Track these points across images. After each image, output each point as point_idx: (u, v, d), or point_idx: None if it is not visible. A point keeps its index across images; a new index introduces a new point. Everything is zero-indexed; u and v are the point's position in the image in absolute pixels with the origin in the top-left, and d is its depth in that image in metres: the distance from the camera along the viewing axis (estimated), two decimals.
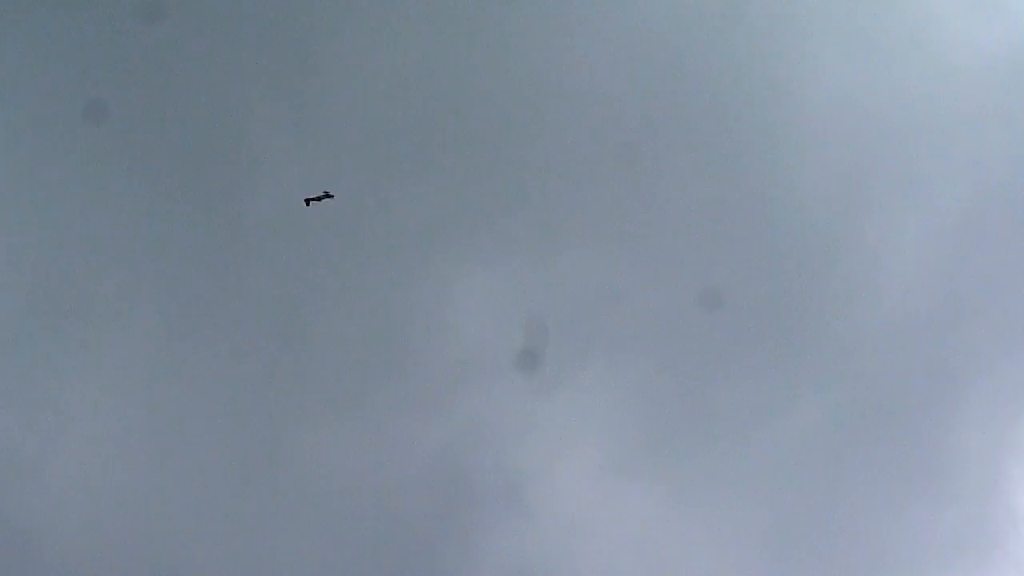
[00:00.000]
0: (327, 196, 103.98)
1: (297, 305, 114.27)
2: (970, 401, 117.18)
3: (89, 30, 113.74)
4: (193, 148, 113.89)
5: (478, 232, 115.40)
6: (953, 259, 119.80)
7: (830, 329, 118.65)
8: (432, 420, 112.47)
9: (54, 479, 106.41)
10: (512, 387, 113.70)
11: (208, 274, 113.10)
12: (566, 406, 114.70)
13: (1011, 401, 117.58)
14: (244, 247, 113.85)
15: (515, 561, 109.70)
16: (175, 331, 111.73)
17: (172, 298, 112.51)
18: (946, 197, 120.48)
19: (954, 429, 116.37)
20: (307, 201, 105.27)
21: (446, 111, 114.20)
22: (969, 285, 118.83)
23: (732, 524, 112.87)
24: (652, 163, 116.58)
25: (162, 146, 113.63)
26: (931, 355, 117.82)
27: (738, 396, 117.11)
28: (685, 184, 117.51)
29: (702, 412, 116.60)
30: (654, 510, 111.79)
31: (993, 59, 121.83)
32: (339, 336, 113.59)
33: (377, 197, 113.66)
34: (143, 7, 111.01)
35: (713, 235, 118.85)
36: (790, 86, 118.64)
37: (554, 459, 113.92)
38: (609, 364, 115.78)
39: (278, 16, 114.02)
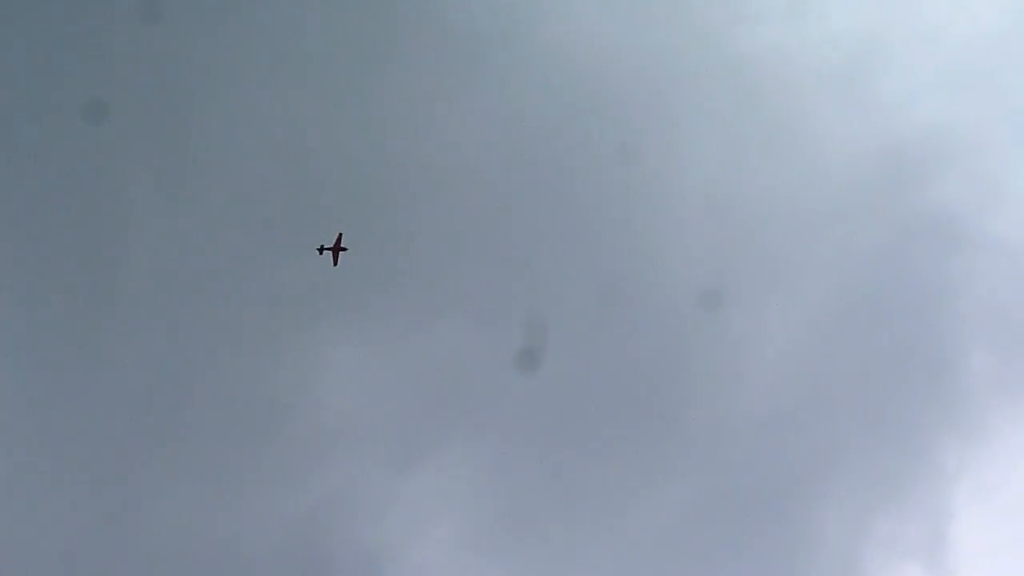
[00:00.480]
0: (341, 248, 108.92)
1: (167, 373, 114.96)
2: (829, 491, 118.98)
3: None
4: (68, 217, 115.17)
5: (348, 308, 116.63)
6: (815, 352, 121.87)
7: (697, 416, 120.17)
8: (293, 490, 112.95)
9: None
10: (374, 460, 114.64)
11: (80, 337, 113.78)
12: (427, 481, 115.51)
13: (869, 491, 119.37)
14: (117, 314, 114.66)
15: None
16: (44, 389, 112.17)
17: (40, 360, 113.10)
18: (810, 291, 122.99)
19: (814, 517, 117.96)
20: (320, 249, 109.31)
21: (318, 189, 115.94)
22: (831, 378, 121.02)
23: None
24: (520, 243, 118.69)
25: (38, 213, 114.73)
26: (793, 445, 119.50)
27: (604, 479, 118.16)
28: (552, 264, 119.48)
29: (565, 492, 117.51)
30: None
31: (861, 156, 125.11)
32: (206, 404, 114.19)
33: (249, 270, 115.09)
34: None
35: (582, 320, 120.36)
36: (659, 174, 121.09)
37: (413, 534, 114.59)
38: (471, 440, 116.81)
39: (155, 92, 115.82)
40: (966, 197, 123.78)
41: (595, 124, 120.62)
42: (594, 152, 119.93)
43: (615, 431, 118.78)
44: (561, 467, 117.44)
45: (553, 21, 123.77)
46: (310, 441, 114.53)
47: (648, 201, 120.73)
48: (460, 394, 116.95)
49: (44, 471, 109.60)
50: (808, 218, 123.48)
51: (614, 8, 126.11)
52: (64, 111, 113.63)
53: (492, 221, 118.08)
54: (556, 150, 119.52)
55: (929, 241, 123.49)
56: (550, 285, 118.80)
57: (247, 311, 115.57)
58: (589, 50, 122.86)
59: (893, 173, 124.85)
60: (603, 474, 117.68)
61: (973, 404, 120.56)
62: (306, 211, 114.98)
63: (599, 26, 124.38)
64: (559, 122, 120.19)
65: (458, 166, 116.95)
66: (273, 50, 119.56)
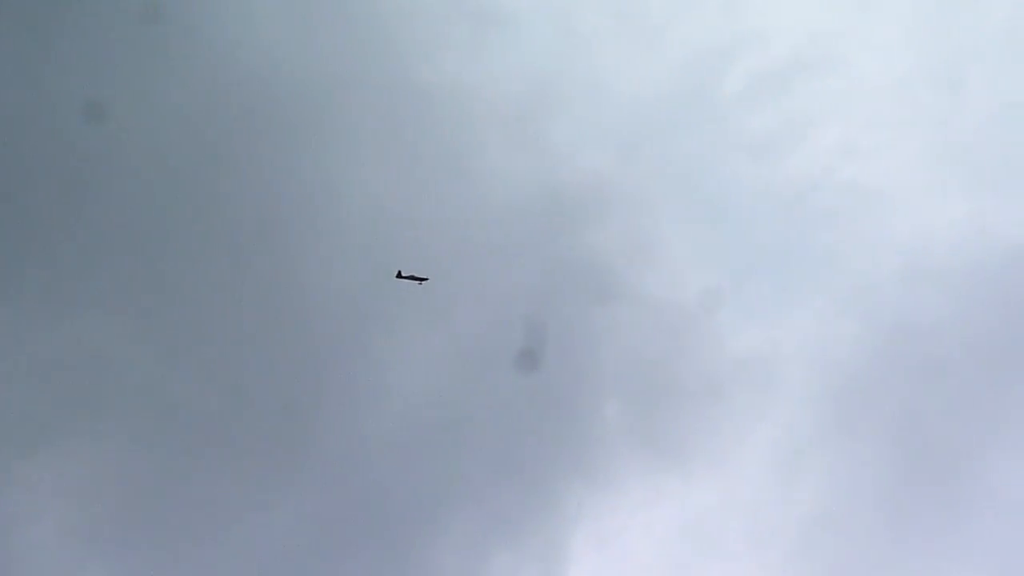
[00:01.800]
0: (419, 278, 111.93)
1: None
2: (449, 524, 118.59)
3: None
4: None
5: None
6: (458, 381, 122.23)
7: (330, 436, 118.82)
8: None
9: None
10: None
11: None
12: (44, 468, 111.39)
13: (488, 527, 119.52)
14: None
15: None
16: None
17: None
18: (459, 321, 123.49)
19: (431, 548, 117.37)
20: (399, 275, 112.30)
21: None
22: (461, 411, 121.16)
23: None
24: (171, 255, 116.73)
25: None
26: (423, 473, 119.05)
27: (225, 488, 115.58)
28: (204, 287, 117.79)
29: (183, 497, 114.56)
30: None
31: (524, 194, 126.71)
32: None
33: None
34: None
35: (233, 339, 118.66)
36: (321, 195, 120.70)
37: (17, 523, 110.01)
38: (95, 436, 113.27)
39: None
40: (618, 248, 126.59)
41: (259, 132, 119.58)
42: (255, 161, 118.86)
43: (249, 446, 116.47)
44: (186, 473, 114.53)
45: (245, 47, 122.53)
46: None
47: (310, 223, 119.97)
48: (91, 389, 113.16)
49: None
50: (466, 247, 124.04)
51: (302, 24, 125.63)
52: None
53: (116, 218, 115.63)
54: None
55: (577, 287, 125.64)
56: (214, 305, 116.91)
57: None
58: (269, 64, 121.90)
59: (552, 216, 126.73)
60: (228, 485, 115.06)
61: (601, 452, 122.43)
62: None
63: (283, 47, 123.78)
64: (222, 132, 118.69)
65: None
66: None
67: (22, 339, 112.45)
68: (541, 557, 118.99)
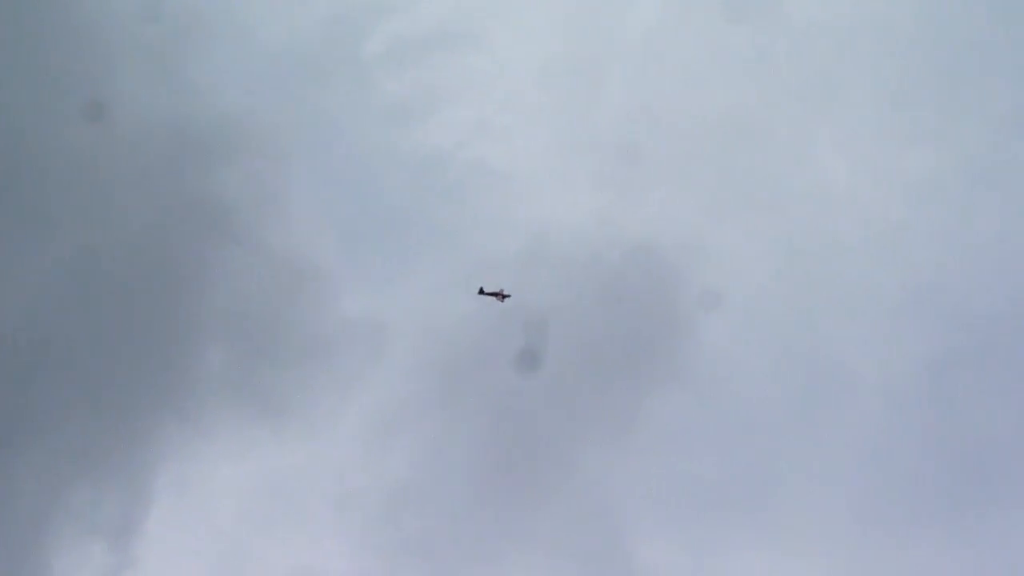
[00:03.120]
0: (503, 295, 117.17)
1: None
2: (27, 452, 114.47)
3: None
4: None
5: None
6: (57, 303, 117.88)
7: None
8: None
9: None
10: None
11: None
12: None
13: (69, 462, 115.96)
14: None
15: None
16: None
17: None
18: (68, 244, 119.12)
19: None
20: (481, 291, 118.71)
21: None
22: (60, 329, 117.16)
23: None
24: None
25: None
26: None
27: None
28: None
29: None
30: None
31: (159, 130, 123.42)
32: None
33: None
34: None
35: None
36: None
37: None
38: None
39: None
40: (242, 195, 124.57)
41: None
42: None
43: None
44: None
45: None
46: None
47: None
48: None
49: None
50: (92, 176, 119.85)
51: None
52: None
53: None
54: None
55: (196, 227, 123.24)
56: None
57: None
58: None
59: (181, 152, 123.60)
60: None
61: (197, 395, 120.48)
62: None
63: None
64: None
65: None
66: None
67: None
68: (122, 495, 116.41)
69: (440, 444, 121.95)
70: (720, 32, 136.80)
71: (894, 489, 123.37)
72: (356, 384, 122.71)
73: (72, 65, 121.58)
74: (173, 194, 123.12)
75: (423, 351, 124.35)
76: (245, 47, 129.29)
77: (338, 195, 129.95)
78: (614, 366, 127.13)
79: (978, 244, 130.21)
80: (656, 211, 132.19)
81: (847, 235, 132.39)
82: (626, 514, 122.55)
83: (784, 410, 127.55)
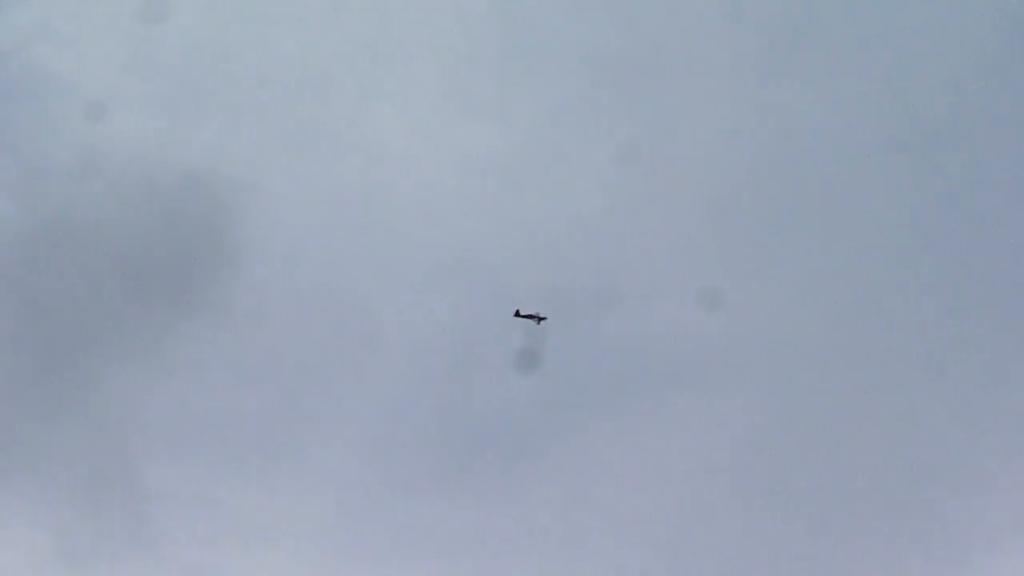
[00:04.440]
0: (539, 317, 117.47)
1: None
2: None
3: None
4: None
5: None
6: None
7: None
8: None
9: None
10: None
11: None
12: None
13: None
14: None
15: None
16: None
17: None
18: None
19: None
20: (518, 313, 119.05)
21: None
22: None
23: None
24: None
25: None
26: None
27: None
28: None
29: None
30: None
31: None
32: None
33: None
34: None
35: None
36: None
37: None
38: None
39: None
40: None
41: None
42: None
43: None
44: None
45: None
46: None
47: None
48: None
49: None
50: None
51: None
52: None
53: None
54: None
55: None
56: None
57: None
58: None
59: None
60: None
61: None
62: None
63: None
64: None
65: None
66: None
67: None
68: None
69: None
70: None
71: (405, 447, 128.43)
72: None
73: None
74: None
75: None
76: None
77: None
78: (154, 288, 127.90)
79: (520, 224, 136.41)
80: (215, 142, 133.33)
81: (395, 194, 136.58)
82: (145, 437, 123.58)
83: (316, 355, 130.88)
